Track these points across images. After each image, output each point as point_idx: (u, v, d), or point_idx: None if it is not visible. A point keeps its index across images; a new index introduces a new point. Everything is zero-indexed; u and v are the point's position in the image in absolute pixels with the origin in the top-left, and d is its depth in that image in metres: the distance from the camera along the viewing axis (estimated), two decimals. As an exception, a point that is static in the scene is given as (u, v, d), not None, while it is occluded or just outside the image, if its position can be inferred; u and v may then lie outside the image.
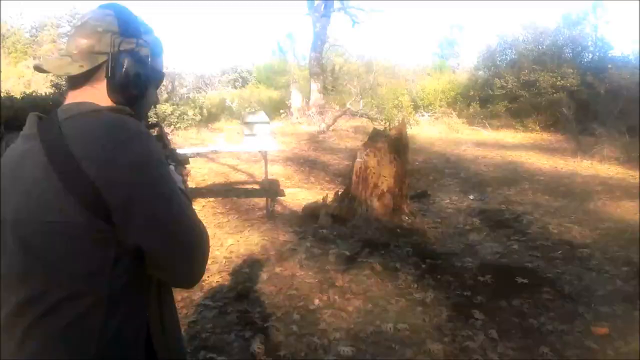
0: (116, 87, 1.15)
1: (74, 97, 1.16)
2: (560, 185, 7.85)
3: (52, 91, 13.27)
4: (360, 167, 5.93)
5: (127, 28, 1.17)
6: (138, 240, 1.02)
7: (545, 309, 3.62)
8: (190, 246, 1.11)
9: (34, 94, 13.04)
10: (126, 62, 1.14)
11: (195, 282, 1.20)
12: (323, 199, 6.13)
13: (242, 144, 6.07)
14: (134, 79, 1.15)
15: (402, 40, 49.17)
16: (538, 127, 14.51)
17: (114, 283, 1.02)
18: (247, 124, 5.89)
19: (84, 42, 1.13)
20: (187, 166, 1.47)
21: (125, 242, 1.02)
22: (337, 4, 17.77)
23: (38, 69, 1.18)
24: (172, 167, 1.27)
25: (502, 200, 7.14)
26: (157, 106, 13.86)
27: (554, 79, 14.55)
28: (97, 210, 0.98)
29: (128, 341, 1.06)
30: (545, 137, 13.73)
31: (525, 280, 4.06)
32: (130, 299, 1.06)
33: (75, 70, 1.12)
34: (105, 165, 0.98)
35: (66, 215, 0.98)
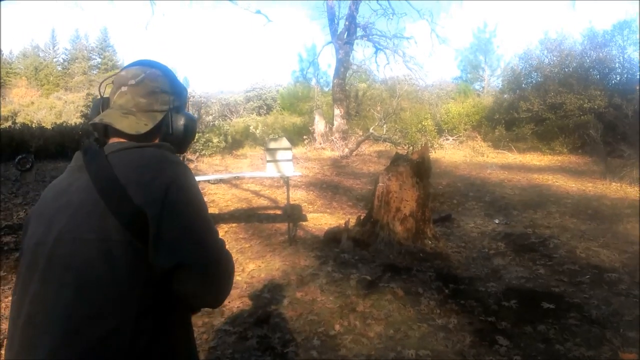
0: (177, 140, 1.34)
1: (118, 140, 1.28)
2: (588, 208, 7.67)
3: (81, 121, 13.67)
4: (382, 191, 5.91)
5: (175, 86, 1.36)
6: (169, 255, 1.08)
7: (572, 335, 3.51)
8: (219, 264, 1.19)
9: (64, 124, 13.44)
10: (182, 119, 1.34)
11: (220, 302, 1.26)
12: (345, 223, 6.11)
13: (265, 170, 6.12)
14: (191, 131, 1.36)
15: (426, 64, 49.32)
16: (565, 150, 14.27)
17: (143, 303, 1.08)
18: (269, 150, 5.95)
19: (143, 102, 1.29)
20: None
21: (156, 263, 1.08)
22: (360, 31, 17.99)
23: (106, 125, 1.29)
24: None
25: (528, 223, 7.01)
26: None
27: (581, 101, 14.35)
28: (136, 231, 1.07)
29: (158, 354, 1.10)
30: (572, 159, 13.49)
31: (552, 306, 3.96)
32: (157, 320, 1.11)
33: (144, 129, 1.26)
34: (145, 188, 1.10)
35: (106, 233, 1.07)
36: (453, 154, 15.46)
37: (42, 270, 1.10)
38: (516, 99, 16.55)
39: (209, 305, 1.27)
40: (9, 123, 15.17)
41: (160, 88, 1.32)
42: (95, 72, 57.23)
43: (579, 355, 3.26)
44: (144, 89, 1.30)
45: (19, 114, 20.60)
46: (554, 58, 16.28)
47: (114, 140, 1.28)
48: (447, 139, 16.75)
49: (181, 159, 1.31)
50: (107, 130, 1.31)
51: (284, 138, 6.14)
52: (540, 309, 3.94)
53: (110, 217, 1.07)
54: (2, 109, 20.81)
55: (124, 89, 1.30)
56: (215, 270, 1.17)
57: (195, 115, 16.03)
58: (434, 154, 14.52)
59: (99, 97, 1.38)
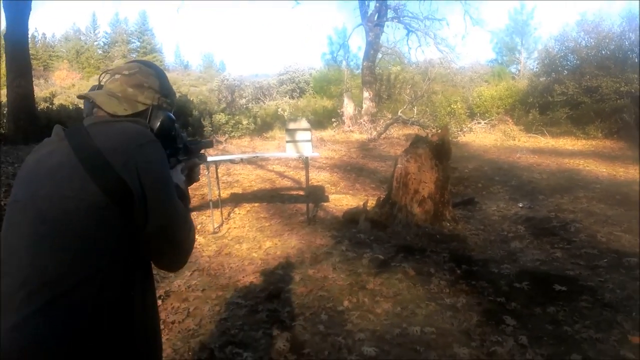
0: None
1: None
2: (617, 194, 7.47)
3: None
4: (401, 173, 5.92)
5: (163, 88, 1.50)
6: (153, 220, 1.23)
7: (582, 317, 3.48)
8: (177, 232, 1.33)
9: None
10: (161, 116, 1.46)
11: (176, 268, 1.44)
12: (363, 204, 6.16)
13: (285, 151, 6.20)
14: (165, 128, 1.47)
15: (459, 47, 48.22)
16: (600, 135, 13.86)
17: (113, 259, 1.18)
18: (288, 130, 6.02)
19: (130, 91, 1.44)
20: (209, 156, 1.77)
21: (136, 224, 1.21)
22: (391, 13, 17.79)
23: (85, 98, 1.45)
24: (178, 168, 1.56)
25: (553, 208, 6.89)
26: (213, 116, 14.37)
27: (618, 85, 13.87)
28: (113, 196, 1.17)
29: (117, 313, 1.18)
30: (607, 144, 13.11)
31: (564, 288, 3.93)
32: (125, 276, 1.21)
33: (121, 111, 1.40)
34: (130, 160, 1.21)
35: (84, 194, 1.17)
36: (484, 137, 15.23)
37: (18, 225, 1.20)
38: (551, 82, 16.11)
39: (166, 269, 1.44)
40: (47, 104, 15.68)
41: (148, 84, 1.46)
42: (134, 55, 58.29)
43: (586, 337, 3.24)
44: (134, 81, 1.44)
45: (58, 96, 21.23)
46: (591, 40, 15.74)
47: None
48: (479, 123, 16.49)
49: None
50: (93, 109, 1.43)
51: (304, 119, 6.20)
52: (552, 291, 3.91)
53: (89, 181, 1.17)
54: (43, 91, 21.47)
55: (117, 76, 1.46)
56: (177, 237, 1.33)
57: (229, 98, 16.24)
58: (463, 138, 14.35)
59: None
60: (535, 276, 4.25)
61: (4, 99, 13.29)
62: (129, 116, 1.40)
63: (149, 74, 1.48)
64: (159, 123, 1.45)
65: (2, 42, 13.19)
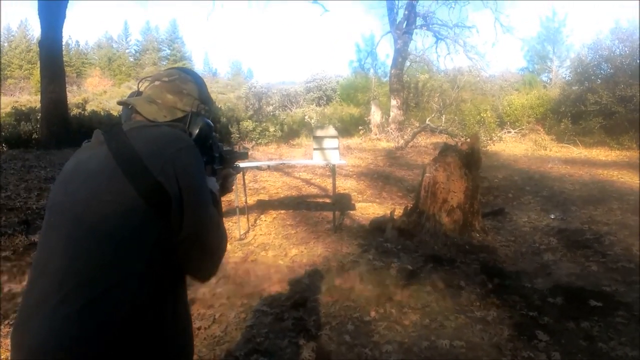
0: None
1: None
2: (653, 206, 7.23)
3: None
4: (429, 182, 5.83)
5: (202, 95, 1.50)
6: (187, 226, 1.23)
7: (617, 333, 3.35)
8: (210, 238, 1.33)
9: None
10: (200, 123, 1.46)
11: (206, 275, 1.41)
12: (390, 213, 6.08)
13: (311, 158, 6.17)
14: (203, 135, 1.46)
15: (489, 54, 47.67)
16: (635, 145, 13.47)
17: (148, 264, 1.18)
18: (316, 137, 5.99)
19: (170, 98, 1.44)
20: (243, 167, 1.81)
21: (171, 229, 1.21)
22: (419, 20, 17.68)
23: (124, 105, 1.47)
24: (213, 178, 1.55)
25: (586, 219, 6.70)
26: (240, 122, 14.48)
27: (654, 94, 13.48)
28: (151, 200, 1.18)
29: (149, 317, 1.18)
30: (642, 155, 12.72)
31: (599, 304, 3.79)
32: (155, 281, 1.21)
33: (161, 118, 1.41)
34: (168, 164, 1.21)
35: (122, 198, 1.18)
36: (514, 147, 14.97)
37: (57, 227, 1.22)
38: (584, 91, 15.74)
39: (198, 278, 1.40)
40: (79, 110, 16.02)
41: (187, 91, 1.47)
42: (164, 63, 59.43)
43: (622, 355, 3.12)
44: (173, 88, 1.45)
45: (90, 102, 21.69)
46: (626, 48, 15.34)
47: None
48: (509, 132, 16.21)
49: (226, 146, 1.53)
50: (131, 115, 1.45)
51: (331, 126, 6.16)
52: (587, 306, 3.78)
53: (128, 185, 1.18)
54: (75, 97, 21.95)
55: (156, 83, 1.47)
56: (209, 244, 1.32)
57: (256, 106, 16.41)
58: (492, 147, 14.12)
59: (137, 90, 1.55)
60: (569, 291, 4.12)
61: (38, 105, 13.63)
62: (168, 122, 1.40)
63: (188, 81, 1.49)
64: (197, 129, 1.44)
65: (37, 49, 13.54)
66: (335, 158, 5.91)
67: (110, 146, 1.26)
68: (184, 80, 1.48)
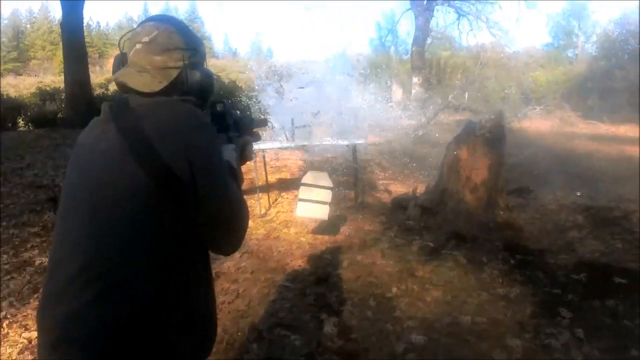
0: (194, 96, 1.34)
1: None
2: (683, 184, 7.05)
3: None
4: (452, 159, 5.76)
5: (189, 42, 1.36)
6: (203, 209, 1.19)
7: (644, 311, 3.30)
8: (231, 216, 1.28)
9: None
10: (198, 75, 1.34)
11: (230, 251, 1.37)
12: (412, 190, 6.04)
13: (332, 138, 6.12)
14: (206, 86, 1.36)
15: (513, 30, 46.49)
16: (665, 121, 13.12)
17: (167, 247, 1.16)
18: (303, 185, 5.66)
19: (158, 59, 1.31)
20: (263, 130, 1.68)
21: (189, 210, 1.17)
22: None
23: (123, 86, 1.35)
24: (230, 146, 1.45)
25: (614, 197, 6.57)
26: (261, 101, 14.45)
27: (684, 69, 13.06)
28: (162, 183, 1.13)
29: (172, 300, 1.18)
30: (672, 131, 12.38)
31: (624, 281, 3.73)
32: (177, 263, 1.19)
33: (158, 87, 1.30)
34: (180, 147, 1.15)
35: (135, 180, 1.14)
36: (540, 124, 14.72)
37: (74, 210, 1.21)
38: (611, 67, 15.35)
39: (221, 252, 1.36)
40: (103, 90, 16.20)
41: (173, 45, 1.33)
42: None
43: (648, 333, 3.08)
44: (158, 47, 1.31)
45: (113, 82, 21.87)
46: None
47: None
48: (534, 109, 15.90)
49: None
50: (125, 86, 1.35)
51: (325, 173, 5.16)
52: (612, 283, 3.73)
53: (139, 169, 1.14)
54: (98, 78, 22.14)
55: (138, 46, 1.33)
56: (228, 220, 1.27)
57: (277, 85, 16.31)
58: (517, 124, 13.89)
59: (120, 52, 1.41)
60: (594, 268, 4.06)
61: (62, 85, 13.81)
62: (168, 87, 1.31)
63: (170, 32, 1.33)
64: (198, 84, 1.34)
65: (59, 30, 13.65)
66: (324, 214, 5.07)
67: (118, 125, 1.20)
68: (166, 34, 1.33)
